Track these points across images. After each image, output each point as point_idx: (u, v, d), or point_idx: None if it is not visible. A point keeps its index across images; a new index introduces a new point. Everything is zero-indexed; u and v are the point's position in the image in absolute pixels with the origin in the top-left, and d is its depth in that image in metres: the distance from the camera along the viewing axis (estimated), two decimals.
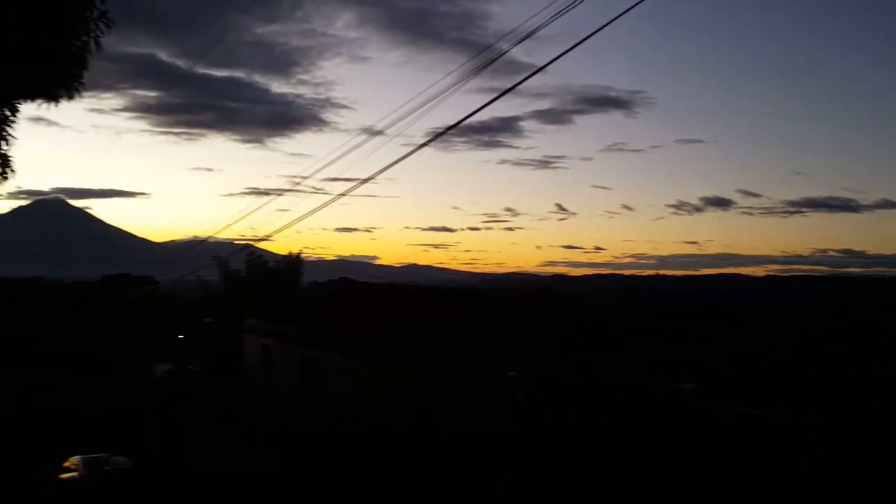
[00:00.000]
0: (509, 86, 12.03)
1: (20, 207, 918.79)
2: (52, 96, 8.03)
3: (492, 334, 25.57)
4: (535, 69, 12.00)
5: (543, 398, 22.98)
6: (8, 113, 8.99)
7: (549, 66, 12.02)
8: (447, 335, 25.78)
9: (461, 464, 21.54)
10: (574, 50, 11.08)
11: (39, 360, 44.82)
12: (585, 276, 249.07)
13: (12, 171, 9.73)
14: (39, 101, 8.20)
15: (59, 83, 7.83)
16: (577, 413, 22.03)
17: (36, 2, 6.76)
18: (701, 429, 19.47)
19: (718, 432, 19.09)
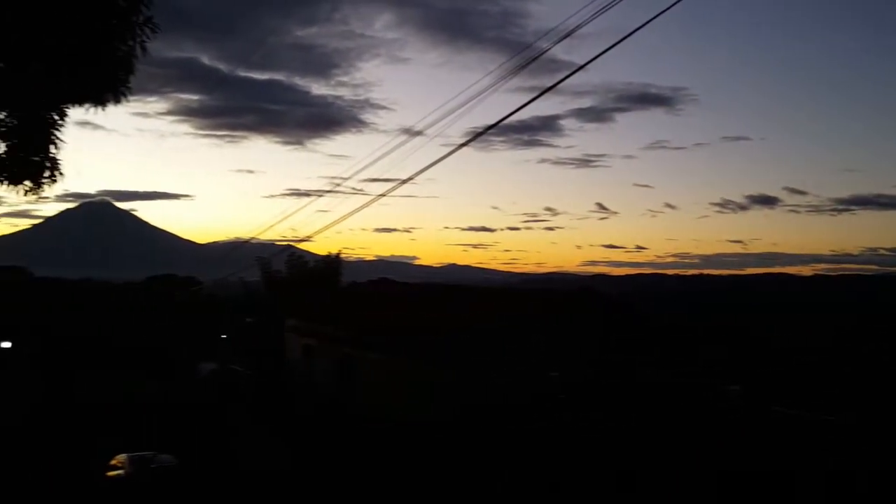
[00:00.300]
0: (549, 84, 11.90)
1: (68, 210, 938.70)
2: (100, 101, 8.13)
3: (532, 334, 25.41)
4: (574, 67, 11.86)
5: (586, 399, 22.78)
6: (56, 117, 9.15)
7: (589, 64, 11.88)
8: (487, 335, 25.68)
9: (501, 462, 21.45)
10: (615, 47, 10.93)
11: (89, 360, 45.70)
12: (627, 276, 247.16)
13: (61, 174, 9.90)
14: (87, 105, 8.31)
15: (106, 88, 7.93)
16: (620, 413, 21.80)
17: (84, 8, 6.85)
18: (748, 431, 19.14)
19: (766, 434, 18.75)
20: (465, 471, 21.65)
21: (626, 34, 10.68)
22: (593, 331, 25.63)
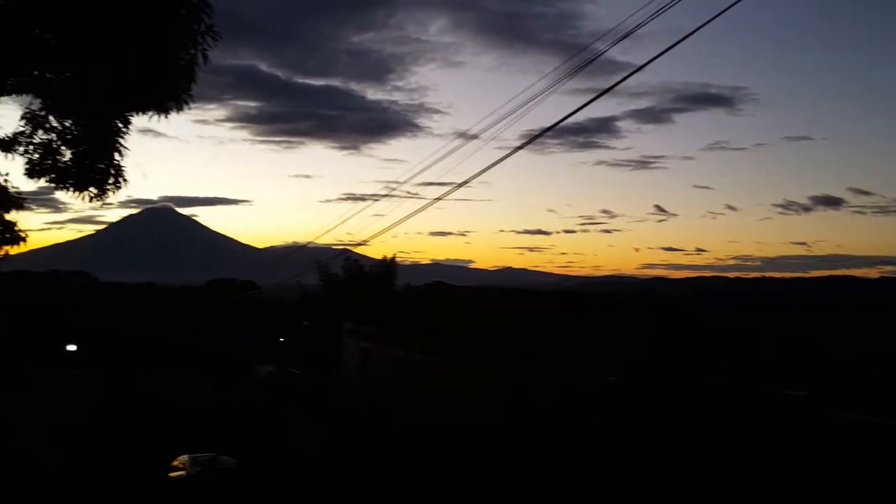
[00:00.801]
0: (606, 86, 11.75)
1: (131, 216, 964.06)
2: (163, 108, 8.27)
3: (591, 338, 25.13)
4: (631, 67, 11.69)
5: (645, 403, 22.43)
6: (121, 125, 9.35)
7: (647, 65, 11.67)
8: (543, 338, 25.49)
9: (558, 465, 21.24)
10: (674, 47, 10.70)
11: (151, 362, 46.77)
12: (686, 279, 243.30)
13: (125, 180, 10.12)
14: (150, 113, 8.46)
15: (169, 96, 8.07)
16: (681, 418, 21.40)
17: (148, 18, 6.97)
18: (816, 437, 18.59)
19: (835, 441, 18.19)
20: (516, 473, 21.50)
21: (684, 34, 10.44)
22: (652, 334, 25.21)
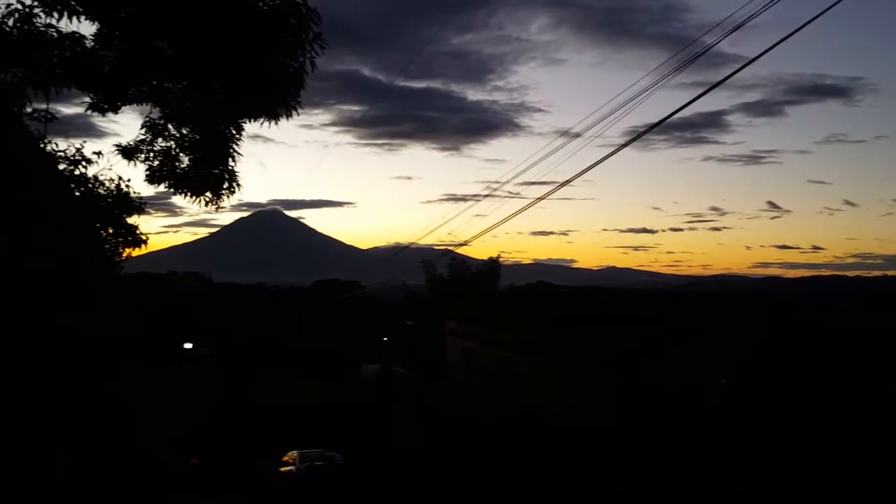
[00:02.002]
0: (713, 79, 11.41)
1: (242, 219, 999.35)
2: (273, 115, 8.52)
3: (700, 339, 24.41)
4: (739, 59, 11.26)
5: (759, 406, 21.62)
6: (234, 132, 9.69)
7: (758, 57, 11.22)
8: (651, 339, 24.93)
9: (667, 467, 20.74)
10: (788, 38, 10.24)
11: (261, 360, 48.33)
12: (802, 278, 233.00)
13: (238, 185, 10.48)
14: (262, 120, 8.73)
15: (279, 103, 8.31)
16: (800, 423, 20.53)
17: (260, 28, 7.20)
18: None
19: None
20: (624, 474, 21.12)
21: (797, 23, 9.97)
22: (767, 335, 24.28)
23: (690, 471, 20.28)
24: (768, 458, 19.86)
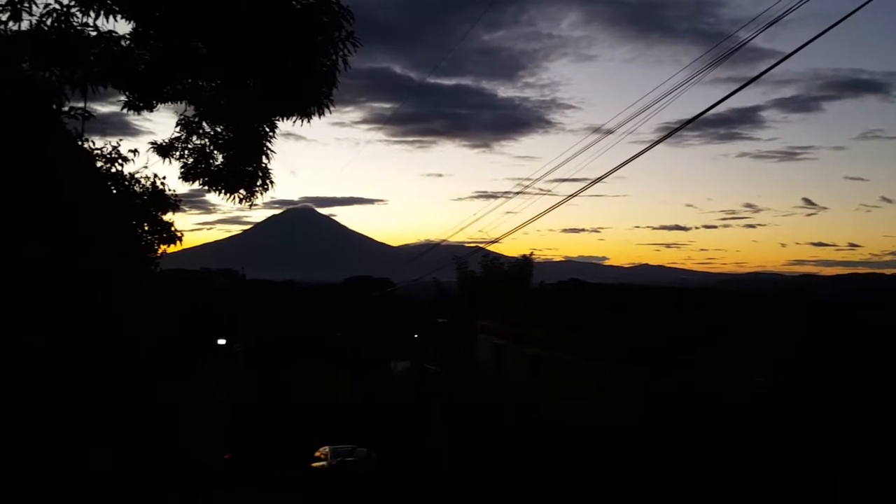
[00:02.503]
0: (747, 74, 11.26)
1: (274, 216, 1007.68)
2: (306, 113, 8.56)
3: (736, 337, 24.10)
4: (774, 54, 11.17)
5: (797, 407, 21.30)
6: (268, 130, 9.75)
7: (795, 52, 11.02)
8: (685, 338, 24.67)
9: (697, 469, 20.53)
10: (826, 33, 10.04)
11: (293, 355, 48.67)
12: (839, 276, 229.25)
13: (272, 182, 10.55)
14: (294, 118, 8.76)
15: (311, 101, 8.34)
16: (841, 424, 20.20)
17: (294, 26, 7.23)
18: None
19: None
20: (652, 474, 20.94)
21: (834, 18, 9.79)
22: (802, 334, 23.91)
23: (724, 472, 20.06)
24: (809, 459, 19.58)
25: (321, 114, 8.65)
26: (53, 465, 7.99)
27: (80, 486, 9.08)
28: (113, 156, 11.83)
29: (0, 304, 6.99)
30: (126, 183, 12.41)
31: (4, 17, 6.94)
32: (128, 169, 12.17)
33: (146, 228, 13.24)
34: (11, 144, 7.07)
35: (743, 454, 20.39)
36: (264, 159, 10.04)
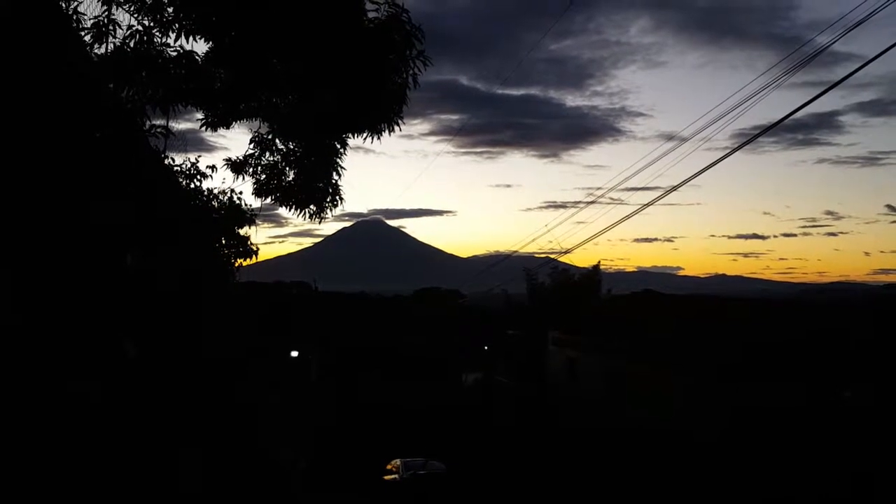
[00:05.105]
0: (824, 78, 10.97)
1: (344, 229, 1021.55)
2: (376, 130, 8.61)
3: (821, 349, 23.29)
4: (852, 57, 10.81)
5: (886, 421, 20.46)
6: (338, 146, 9.87)
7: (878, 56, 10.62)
8: (767, 350, 23.97)
9: (777, 484, 19.89)
10: None
11: (365, 367, 49.08)
12: None
13: (341, 199, 10.68)
14: (364, 134, 8.84)
15: (382, 118, 8.40)
16: None
17: (366, 44, 7.31)
18: None
19: None
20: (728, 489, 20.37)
21: None
22: (890, 346, 22.96)
23: (812, 488, 19.40)
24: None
25: (391, 130, 8.70)
26: (149, 464, 8.23)
27: (173, 485, 9.34)
28: (192, 172, 12.17)
29: (104, 311, 7.24)
30: (204, 198, 12.75)
31: (89, 39, 7.19)
32: (206, 185, 12.50)
33: (223, 242, 13.58)
34: (110, 164, 7.34)
35: (831, 469, 19.68)
36: (334, 175, 10.17)
